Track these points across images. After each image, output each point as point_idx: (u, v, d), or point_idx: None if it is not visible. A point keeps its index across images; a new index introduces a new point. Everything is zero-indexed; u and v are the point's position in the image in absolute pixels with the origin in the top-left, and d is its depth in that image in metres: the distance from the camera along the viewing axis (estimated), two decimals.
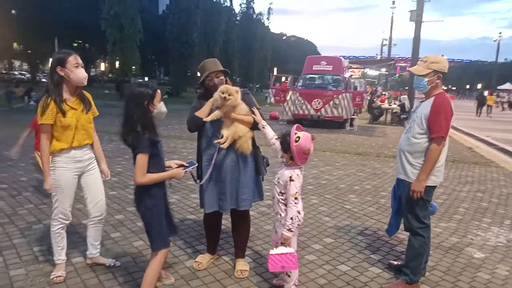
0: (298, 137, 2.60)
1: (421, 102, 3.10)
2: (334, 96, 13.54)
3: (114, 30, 24.79)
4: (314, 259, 3.48)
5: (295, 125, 2.73)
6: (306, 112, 13.73)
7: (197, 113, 2.93)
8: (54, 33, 27.86)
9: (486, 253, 3.79)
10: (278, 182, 2.69)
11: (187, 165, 2.63)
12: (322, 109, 13.60)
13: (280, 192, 2.68)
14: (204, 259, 3.24)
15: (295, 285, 2.81)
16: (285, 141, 2.64)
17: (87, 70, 51.19)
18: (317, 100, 13.61)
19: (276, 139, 2.84)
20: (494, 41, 49.63)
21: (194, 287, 2.92)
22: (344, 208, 4.97)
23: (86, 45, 45.50)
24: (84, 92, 2.95)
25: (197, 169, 3.07)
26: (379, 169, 7.46)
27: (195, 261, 3.24)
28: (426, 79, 2.95)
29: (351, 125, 14.18)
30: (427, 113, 2.88)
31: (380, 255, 3.65)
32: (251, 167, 3.03)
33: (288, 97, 14.02)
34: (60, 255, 2.96)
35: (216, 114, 2.83)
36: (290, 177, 2.61)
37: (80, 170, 2.90)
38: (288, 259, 2.59)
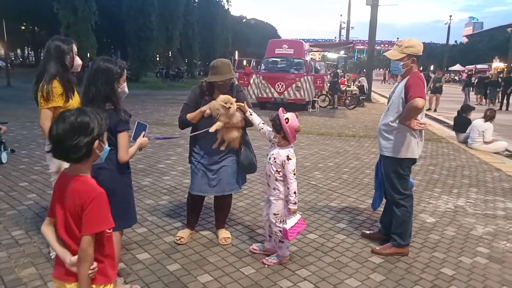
0: (287, 118, 2.85)
1: (398, 83, 3.34)
2: (296, 79, 13.84)
3: (68, 13, 23.53)
4: None
5: (280, 108, 2.98)
6: (270, 95, 13.97)
7: (189, 117, 3.21)
8: (1, 15, 26.11)
9: (436, 218, 4.24)
10: (275, 161, 2.93)
11: (144, 131, 2.64)
12: (285, 92, 13.88)
13: (277, 170, 2.93)
14: (185, 233, 3.44)
15: (287, 248, 3.14)
16: (275, 123, 2.88)
17: (37, 55, 48.66)
18: (280, 83, 13.87)
19: (263, 123, 3.13)
20: (445, 24, 51.84)
21: (175, 260, 3.11)
22: (310, 184, 5.29)
23: (35, 28, 43.05)
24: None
25: (189, 154, 3.40)
26: (341, 148, 7.88)
27: (177, 236, 3.44)
28: (401, 63, 3.17)
29: (313, 107, 14.60)
30: (402, 92, 3.11)
31: (344, 223, 3.99)
32: (237, 155, 3.33)
33: (251, 81, 14.17)
34: None
35: (218, 124, 3.05)
36: (287, 156, 2.88)
37: None
38: (299, 224, 2.93)
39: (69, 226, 1.63)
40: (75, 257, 1.60)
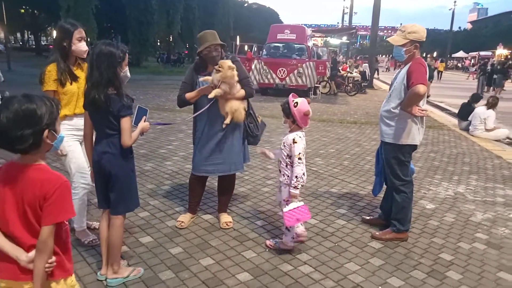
0: (296, 102, 2.89)
1: (400, 69, 3.33)
2: (298, 65, 13.75)
3: None
4: None
5: (291, 94, 3.00)
6: (272, 81, 13.90)
7: (187, 97, 3.24)
8: None
9: (436, 204, 4.27)
10: (284, 146, 2.96)
11: (145, 116, 2.61)
12: (287, 78, 13.81)
13: (287, 155, 2.96)
14: (185, 218, 3.47)
15: (293, 238, 3.08)
16: (285, 108, 2.93)
17: (37, 38, 48.31)
18: (282, 69, 13.79)
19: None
20: (450, 10, 51.09)
21: (177, 243, 3.16)
22: (311, 170, 5.31)
23: (35, 11, 42.61)
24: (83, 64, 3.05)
25: (193, 135, 3.42)
26: (342, 135, 7.89)
27: (177, 220, 3.47)
28: (404, 49, 3.16)
29: (315, 93, 14.54)
30: (404, 78, 3.11)
31: (344, 209, 4.02)
32: (241, 133, 3.36)
33: (253, 66, 14.08)
34: (82, 223, 3.09)
35: (217, 91, 3.05)
36: (294, 139, 2.90)
37: (81, 138, 2.92)
38: (300, 211, 2.91)
39: (27, 219, 1.48)
40: (33, 252, 1.48)
